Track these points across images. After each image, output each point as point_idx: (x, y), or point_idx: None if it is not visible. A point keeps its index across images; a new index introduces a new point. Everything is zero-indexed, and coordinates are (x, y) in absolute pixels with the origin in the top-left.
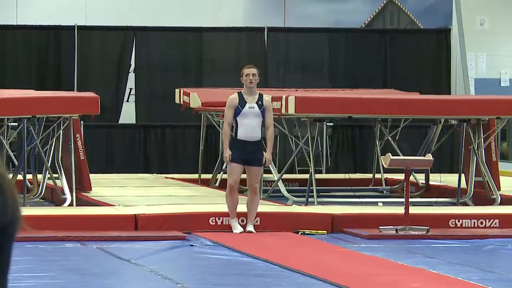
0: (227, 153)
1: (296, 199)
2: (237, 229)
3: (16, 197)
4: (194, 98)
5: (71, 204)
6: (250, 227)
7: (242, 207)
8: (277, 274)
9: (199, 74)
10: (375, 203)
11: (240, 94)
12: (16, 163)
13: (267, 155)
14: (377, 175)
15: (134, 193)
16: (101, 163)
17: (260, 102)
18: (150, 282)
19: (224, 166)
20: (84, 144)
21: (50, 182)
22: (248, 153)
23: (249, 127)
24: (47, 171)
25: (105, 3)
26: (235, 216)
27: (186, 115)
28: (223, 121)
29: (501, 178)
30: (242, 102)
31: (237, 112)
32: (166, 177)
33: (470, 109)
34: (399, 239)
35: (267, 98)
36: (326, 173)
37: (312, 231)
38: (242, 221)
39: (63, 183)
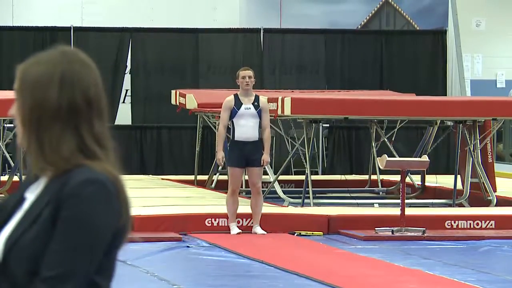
0: (220, 155)
1: (292, 200)
2: (235, 230)
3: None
4: (190, 99)
5: None
6: (257, 229)
7: (240, 208)
8: (273, 276)
9: (195, 75)
10: (371, 205)
11: (236, 96)
12: (12, 164)
13: (265, 156)
14: (373, 177)
15: (130, 194)
16: None
17: (256, 103)
18: (146, 283)
19: (220, 168)
20: None
21: None
22: (246, 154)
23: (245, 128)
24: None
25: (101, 4)
26: (235, 220)
27: (182, 116)
28: (219, 123)
29: (497, 179)
30: (238, 104)
31: (233, 113)
32: (162, 179)
33: (466, 110)
34: (395, 241)
35: (263, 99)
36: (322, 174)
37: (308, 232)
38: (239, 222)
39: None
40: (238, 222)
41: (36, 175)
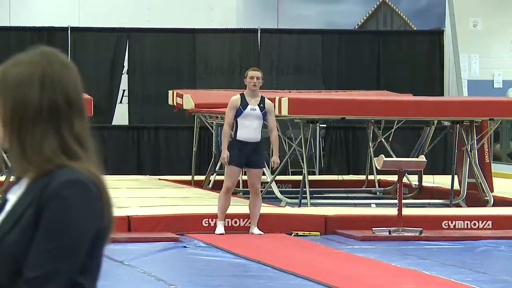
0: (225, 154)
1: (289, 200)
2: (220, 230)
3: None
4: (187, 99)
5: None
6: (255, 229)
7: (231, 209)
8: (270, 276)
9: (192, 75)
10: (368, 205)
11: (242, 95)
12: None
13: (274, 158)
14: (370, 177)
15: (127, 195)
16: None
17: (262, 105)
18: (143, 284)
19: (217, 168)
20: None
21: None
22: (246, 154)
23: (249, 129)
24: None
25: (99, 4)
26: (223, 219)
27: (179, 117)
28: (216, 123)
29: (494, 179)
30: (243, 104)
31: (238, 113)
32: (159, 179)
33: (463, 110)
34: (392, 241)
35: (269, 101)
36: (319, 174)
37: (305, 232)
38: (236, 222)
39: None
40: (236, 222)
41: (18, 176)
